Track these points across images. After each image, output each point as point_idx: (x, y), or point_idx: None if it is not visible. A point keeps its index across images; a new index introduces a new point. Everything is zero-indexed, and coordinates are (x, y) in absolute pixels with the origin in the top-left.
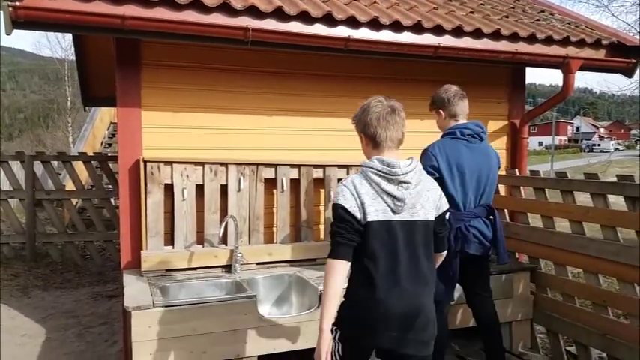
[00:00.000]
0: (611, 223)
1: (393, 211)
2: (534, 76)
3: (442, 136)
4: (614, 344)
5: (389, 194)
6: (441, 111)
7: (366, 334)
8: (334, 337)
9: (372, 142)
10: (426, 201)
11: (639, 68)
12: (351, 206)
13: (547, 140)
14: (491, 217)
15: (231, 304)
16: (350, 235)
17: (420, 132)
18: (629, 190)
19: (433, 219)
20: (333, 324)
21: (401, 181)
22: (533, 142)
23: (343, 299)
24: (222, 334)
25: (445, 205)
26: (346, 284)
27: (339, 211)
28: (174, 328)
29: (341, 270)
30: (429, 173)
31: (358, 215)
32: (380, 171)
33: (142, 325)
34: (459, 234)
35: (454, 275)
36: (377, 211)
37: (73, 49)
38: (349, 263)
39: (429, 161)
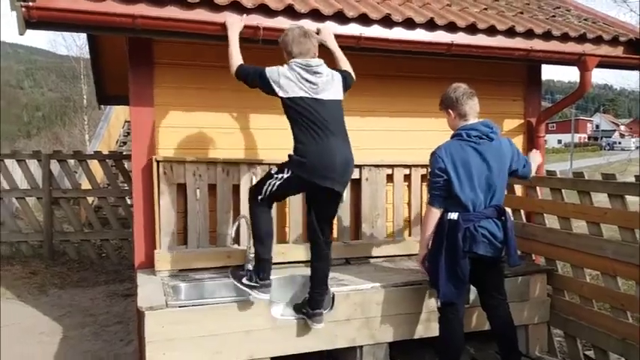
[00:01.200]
0: (630, 225)
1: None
2: (553, 72)
3: (450, 138)
4: (633, 349)
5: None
6: (450, 110)
7: (314, 176)
8: (283, 174)
9: None
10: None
11: None
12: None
13: (566, 138)
14: (502, 217)
15: (244, 304)
16: None
17: (437, 130)
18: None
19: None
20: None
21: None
22: (552, 140)
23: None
24: (236, 335)
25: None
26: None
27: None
28: (187, 328)
29: None
30: (436, 175)
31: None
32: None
33: (156, 325)
34: (467, 234)
35: (464, 276)
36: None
37: (87, 47)
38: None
39: (436, 163)
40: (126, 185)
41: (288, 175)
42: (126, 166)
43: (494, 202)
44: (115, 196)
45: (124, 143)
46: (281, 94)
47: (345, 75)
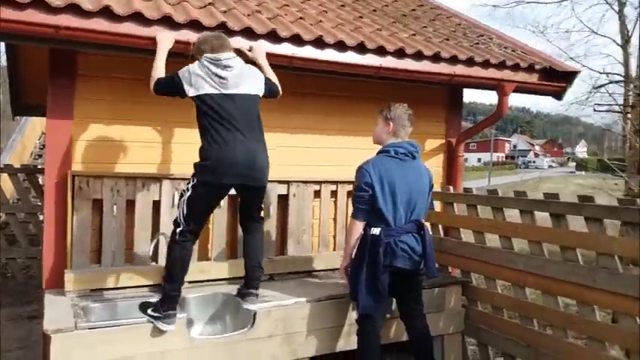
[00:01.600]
0: (538, 239)
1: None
2: (476, 95)
3: (377, 153)
4: (537, 355)
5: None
6: (390, 123)
7: (218, 176)
8: (189, 184)
9: None
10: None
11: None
12: None
13: (486, 157)
14: (421, 232)
15: None
16: None
17: (364, 148)
18: (554, 208)
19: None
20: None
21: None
22: (472, 159)
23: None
24: (151, 356)
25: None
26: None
27: None
28: (98, 351)
29: None
30: (361, 189)
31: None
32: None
33: (63, 349)
34: (388, 249)
35: (384, 290)
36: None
37: (2, 54)
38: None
39: (362, 178)
40: (38, 200)
41: (194, 182)
42: (40, 180)
43: (414, 217)
44: (25, 212)
45: (39, 156)
46: (191, 92)
47: (267, 79)
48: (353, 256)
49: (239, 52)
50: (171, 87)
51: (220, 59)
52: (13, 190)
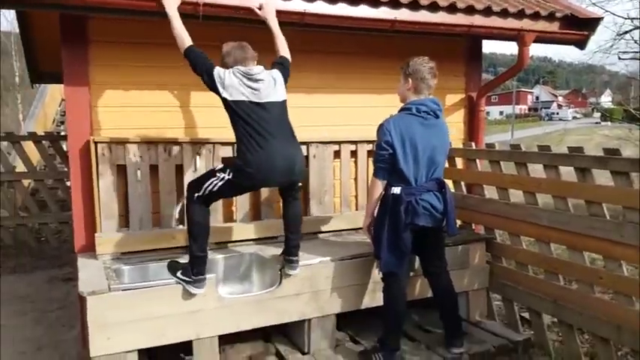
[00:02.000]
0: (562, 194)
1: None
2: (496, 45)
3: (399, 111)
4: (564, 310)
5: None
6: (410, 80)
7: (254, 181)
8: (224, 174)
9: None
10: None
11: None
12: None
13: (508, 109)
14: (442, 190)
15: None
16: None
17: (382, 106)
18: (579, 161)
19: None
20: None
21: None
22: (494, 112)
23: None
24: (181, 316)
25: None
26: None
27: None
28: (131, 311)
29: None
30: (382, 148)
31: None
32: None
33: (98, 309)
34: (409, 207)
35: (406, 248)
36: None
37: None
38: None
39: (383, 136)
40: (64, 166)
41: (229, 177)
42: (64, 146)
43: (435, 175)
44: (52, 178)
45: (62, 123)
46: (225, 95)
47: (282, 70)
48: (375, 214)
49: (250, 11)
50: (204, 77)
51: (252, 74)
52: (39, 158)
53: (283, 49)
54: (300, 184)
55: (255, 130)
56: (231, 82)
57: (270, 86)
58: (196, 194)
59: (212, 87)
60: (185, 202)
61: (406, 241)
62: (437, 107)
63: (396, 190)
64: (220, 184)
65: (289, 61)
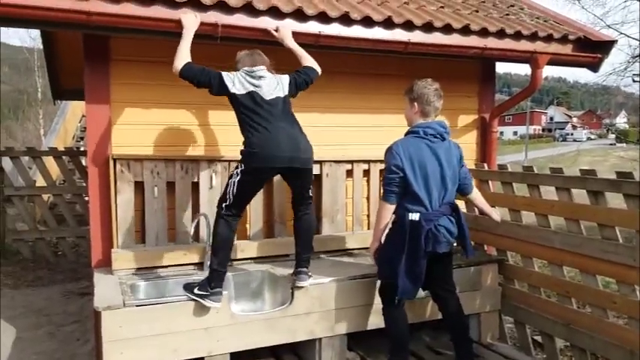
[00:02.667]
0: (575, 216)
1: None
2: (511, 65)
3: (406, 134)
4: (577, 334)
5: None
6: (415, 104)
7: (266, 161)
8: (238, 170)
9: None
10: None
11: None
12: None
13: (522, 129)
14: (455, 213)
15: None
16: None
17: (395, 126)
18: (591, 184)
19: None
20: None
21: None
22: (508, 132)
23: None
24: (194, 332)
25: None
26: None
27: None
28: (145, 327)
29: None
30: (392, 172)
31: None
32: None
33: (113, 325)
34: (429, 235)
35: (422, 274)
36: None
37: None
38: None
39: (392, 160)
40: (83, 182)
41: (243, 168)
42: (83, 162)
43: (447, 199)
44: (71, 193)
45: (81, 139)
46: (233, 90)
47: (295, 75)
48: (383, 239)
49: (266, 33)
50: (205, 79)
51: (254, 71)
52: (59, 172)
53: (308, 62)
54: (311, 194)
55: (259, 116)
56: (238, 79)
57: (272, 85)
58: (224, 204)
59: (221, 88)
60: (215, 217)
61: (423, 267)
62: (443, 130)
63: (415, 216)
64: (237, 180)
65: (313, 69)
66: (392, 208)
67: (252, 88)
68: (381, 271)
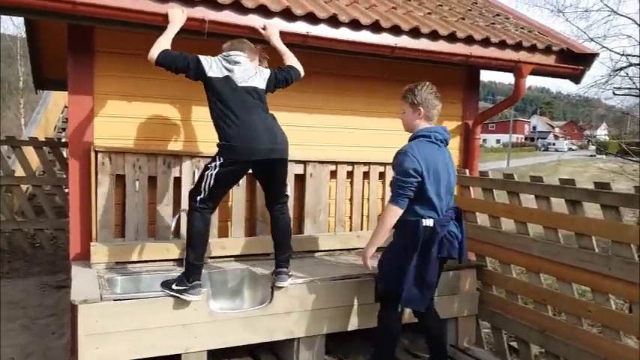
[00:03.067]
0: (553, 225)
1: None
2: (495, 74)
3: (415, 138)
4: (552, 341)
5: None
6: (420, 108)
7: (245, 154)
8: (215, 162)
9: None
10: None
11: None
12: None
13: (505, 138)
14: (460, 218)
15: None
16: None
17: (379, 129)
18: (570, 194)
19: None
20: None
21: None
22: (491, 139)
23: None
24: (172, 329)
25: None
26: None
27: None
28: (122, 322)
29: None
30: (409, 175)
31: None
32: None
33: (89, 318)
34: (444, 241)
35: (433, 283)
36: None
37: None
38: None
39: (411, 164)
40: (63, 173)
41: (221, 161)
42: (64, 153)
43: (451, 204)
44: (51, 184)
45: (63, 129)
46: (210, 73)
47: (276, 71)
48: (387, 243)
49: (253, 31)
50: (183, 62)
51: (230, 55)
52: (39, 163)
53: (292, 62)
54: (287, 195)
55: (232, 103)
56: (215, 63)
57: (247, 73)
58: (198, 197)
59: (198, 71)
60: (187, 211)
61: (435, 275)
62: (447, 135)
63: (429, 222)
64: (214, 172)
65: (295, 70)
66: (400, 212)
67: (227, 73)
68: (384, 278)
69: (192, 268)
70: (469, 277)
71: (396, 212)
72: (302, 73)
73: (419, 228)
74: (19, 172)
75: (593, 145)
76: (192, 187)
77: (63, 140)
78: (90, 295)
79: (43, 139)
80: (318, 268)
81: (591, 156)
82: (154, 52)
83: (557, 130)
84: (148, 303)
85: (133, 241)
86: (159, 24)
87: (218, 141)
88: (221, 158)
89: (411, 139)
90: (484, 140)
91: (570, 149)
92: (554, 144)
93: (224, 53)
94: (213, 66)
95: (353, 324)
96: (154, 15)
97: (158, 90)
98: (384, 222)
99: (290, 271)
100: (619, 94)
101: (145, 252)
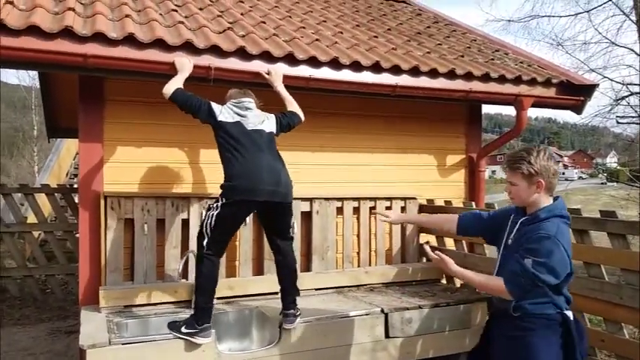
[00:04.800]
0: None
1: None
2: (501, 107)
3: (553, 216)
4: None
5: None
6: (542, 180)
7: (246, 194)
8: (217, 203)
9: None
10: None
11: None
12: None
13: None
14: None
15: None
16: None
17: (384, 165)
18: (576, 223)
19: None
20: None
21: (247, 107)
22: (500, 171)
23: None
24: None
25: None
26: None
27: None
28: None
29: None
30: (557, 276)
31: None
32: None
33: None
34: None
35: None
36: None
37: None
38: None
39: (564, 266)
40: (74, 218)
41: (222, 202)
42: (75, 199)
43: None
44: (62, 230)
45: (75, 176)
46: (220, 117)
47: (280, 115)
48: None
49: (258, 75)
50: (196, 103)
51: (242, 101)
52: (51, 209)
53: (293, 107)
54: (292, 233)
55: (241, 145)
56: (226, 109)
57: (258, 118)
58: (204, 242)
59: (210, 114)
60: (196, 255)
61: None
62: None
63: (570, 314)
64: (216, 213)
65: (297, 115)
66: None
67: (238, 118)
68: None
69: (201, 312)
70: (480, 310)
71: (501, 292)
72: (302, 119)
73: (569, 323)
74: (32, 218)
75: (602, 173)
76: (199, 229)
77: (75, 186)
78: (98, 339)
79: (55, 186)
80: (326, 305)
81: (602, 184)
82: (170, 88)
83: (566, 159)
84: (157, 346)
85: (141, 284)
86: (166, 72)
87: (223, 182)
88: (223, 198)
89: (541, 218)
90: (493, 172)
91: (580, 178)
92: (563, 173)
93: (233, 101)
94: (223, 112)
95: None
96: (162, 64)
97: (166, 135)
98: (486, 284)
99: (298, 311)
100: (622, 123)
101: (154, 295)
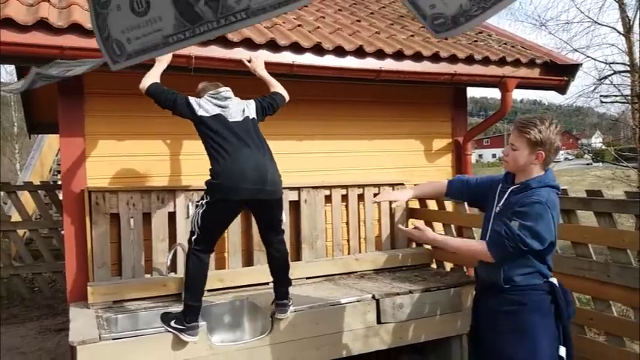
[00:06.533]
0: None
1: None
2: (486, 90)
3: (545, 186)
4: None
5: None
6: (542, 151)
7: (231, 193)
8: (202, 201)
9: None
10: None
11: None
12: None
13: (500, 152)
14: None
15: None
16: None
17: (370, 151)
18: (562, 204)
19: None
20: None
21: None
22: (487, 154)
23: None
24: None
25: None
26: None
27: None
28: None
29: None
30: (542, 241)
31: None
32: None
33: (89, 359)
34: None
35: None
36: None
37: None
38: None
39: (549, 234)
40: (60, 216)
41: (207, 200)
42: (59, 196)
43: None
44: (47, 228)
45: (58, 172)
46: (200, 112)
47: (260, 99)
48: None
49: (239, 63)
50: (172, 96)
51: (220, 92)
52: (35, 207)
53: (277, 88)
54: (282, 227)
55: (225, 140)
56: (204, 103)
57: (239, 107)
58: (193, 238)
59: (188, 108)
60: (186, 252)
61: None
62: None
63: (555, 280)
64: (202, 211)
65: (279, 94)
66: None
67: (218, 110)
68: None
69: (189, 309)
70: (470, 294)
71: (483, 255)
72: (287, 98)
73: (556, 291)
74: (16, 217)
75: (588, 153)
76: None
77: (58, 183)
78: (88, 335)
79: (38, 183)
80: (318, 294)
81: (588, 164)
82: (146, 83)
83: None
84: (147, 340)
85: (129, 278)
86: (144, 63)
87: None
88: (208, 196)
89: (532, 186)
90: (480, 155)
91: (566, 159)
92: None
93: (210, 92)
94: (202, 105)
95: (358, 348)
96: None
97: (148, 127)
98: (465, 247)
99: (290, 300)
100: (606, 102)
101: (143, 289)
